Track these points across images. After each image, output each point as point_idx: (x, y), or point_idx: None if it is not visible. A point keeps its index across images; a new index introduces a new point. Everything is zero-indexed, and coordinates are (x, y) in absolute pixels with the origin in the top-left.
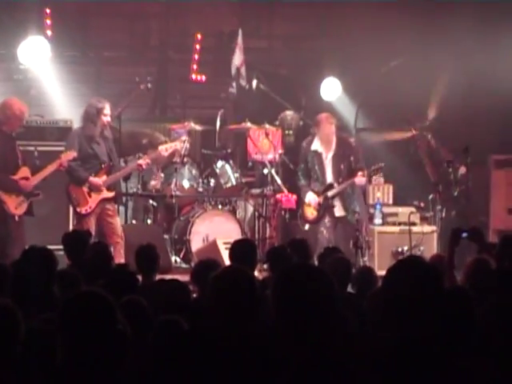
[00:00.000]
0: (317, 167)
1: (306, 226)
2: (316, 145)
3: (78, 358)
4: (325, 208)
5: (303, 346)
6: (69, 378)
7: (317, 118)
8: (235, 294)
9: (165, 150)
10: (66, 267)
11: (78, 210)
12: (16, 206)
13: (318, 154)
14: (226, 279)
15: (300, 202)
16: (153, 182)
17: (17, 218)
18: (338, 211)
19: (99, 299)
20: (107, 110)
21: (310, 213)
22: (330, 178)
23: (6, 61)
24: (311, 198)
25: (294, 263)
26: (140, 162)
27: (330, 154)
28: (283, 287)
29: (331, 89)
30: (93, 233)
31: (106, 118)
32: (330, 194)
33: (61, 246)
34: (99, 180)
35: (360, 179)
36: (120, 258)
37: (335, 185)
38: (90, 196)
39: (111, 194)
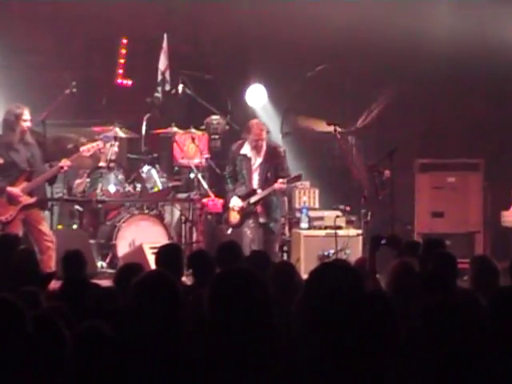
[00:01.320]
0: (244, 171)
1: (229, 230)
2: (246, 149)
3: None
4: (247, 213)
5: (236, 348)
6: None
7: (248, 124)
8: (156, 299)
9: (87, 150)
10: None
11: None
12: None
13: (246, 159)
14: (147, 284)
15: (226, 206)
16: (77, 181)
17: None
18: (262, 217)
19: (6, 305)
20: (26, 115)
21: (233, 217)
22: (255, 183)
23: None
24: (235, 202)
25: (231, 267)
26: (61, 164)
27: (259, 160)
28: (218, 290)
29: (256, 95)
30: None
31: (26, 124)
32: (252, 200)
33: None
34: (16, 189)
35: (280, 186)
36: (51, 262)
37: (258, 191)
38: (9, 204)
39: (32, 200)
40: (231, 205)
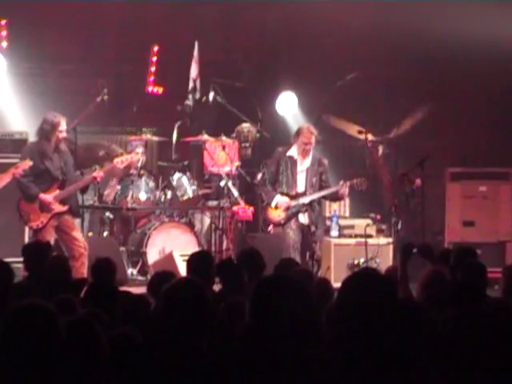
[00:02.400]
0: (289, 171)
1: (270, 227)
2: (293, 152)
3: (20, 369)
4: (295, 212)
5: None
6: None
7: (299, 127)
8: (186, 307)
9: (120, 162)
10: (22, 279)
11: (29, 225)
12: None
13: (293, 160)
14: (177, 291)
15: (260, 209)
16: (106, 192)
17: None
18: (303, 218)
19: (39, 311)
20: (63, 126)
21: (277, 215)
22: (300, 186)
23: None
24: (281, 200)
25: (273, 274)
26: (94, 174)
27: (305, 165)
28: (260, 297)
29: (287, 103)
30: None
31: (62, 134)
32: (304, 200)
33: (15, 259)
34: (49, 197)
35: (344, 189)
36: (84, 269)
37: (307, 193)
38: (41, 211)
39: (64, 208)
40: (274, 203)
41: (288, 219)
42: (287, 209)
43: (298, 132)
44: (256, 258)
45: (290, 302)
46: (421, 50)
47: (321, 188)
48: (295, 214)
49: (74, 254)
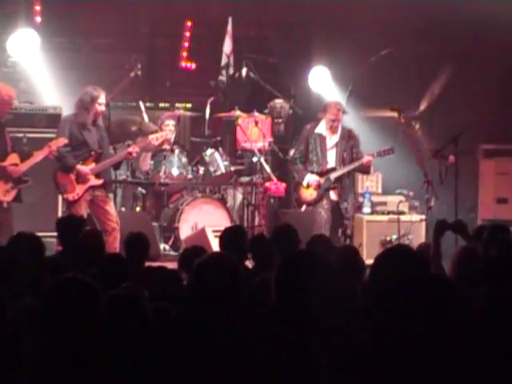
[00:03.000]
0: (318, 149)
1: (303, 208)
2: (321, 128)
3: (60, 342)
4: (325, 189)
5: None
6: (52, 361)
7: (325, 103)
8: (217, 281)
9: (155, 139)
10: (55, 253)
11: (65, 196)
12: (4, 192)
13: (321, 137)
14: (209, 266)
15: (293, 186)
16: (141, 164)
17: (5, 204)
18: (333, 195)
19: (82, 285)
20: (102, 99)
21: (309, 194)
22: (331, 162)
23: None
24: (311, 178)
25: (298, 250)
26: (130, 150)
27: (334, 140)
28: (285, 273)
29: (320, 78)
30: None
31: (101, 108)
32: (333, 176)
33: (49, 233)
34: (86, 168)
35: (368, 159)
36: (116, 244)
37: (337, 168)
38: (77, 183)
39: (99, 182)
40: (305, 182)
41: (320, 198)
42: (318, 187)
43: (325, 108)
44: (291, 233)
45: (314, 278)
46: (456, 27)
47: (352, 161)
48: (327, 192)
49: (106, 229)
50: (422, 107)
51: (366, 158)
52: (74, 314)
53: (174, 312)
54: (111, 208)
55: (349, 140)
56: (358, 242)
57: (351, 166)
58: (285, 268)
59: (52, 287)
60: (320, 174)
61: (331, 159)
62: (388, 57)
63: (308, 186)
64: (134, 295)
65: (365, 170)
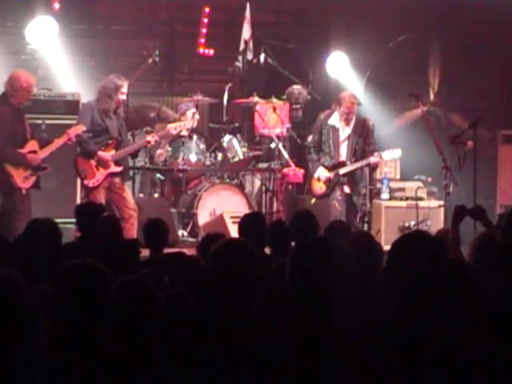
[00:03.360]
0: (331, 141)
1: (313, 200)
2: (334, 120)
3: (70, 326)
4: (335, 184)
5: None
6: (61, 344)
7: (339, 95)
8: (233, 267)
9: (174, 128)
10: (74, 240)
11: (86, 182)
12: (23, 179)
13: (334, 129)
14: (224, 252)
15: (308, 176)
16: (159, 150)
17: (23, 191)
18: (346, 188)
19: (92, 269)
20: (125, 88)
21: (319, 187)
22: (343, 154)
23: (14, 41)
24: (321, 172)
25: (312, 237)
26: (148, 138)
27: (347, 132)
28: (299, 260)
29: (338, 63)
30: None
31: (123, 97)
32: (342, 171)
33: (68, 219)
34: (107, 154)
35: (375, 159)
36: (134, 231)
37: (348, 163)
38: (97, 169)
39: (119, 169)
40: (316, 175)
41: (331, 191)
42: (328, 181)
43: (340, 100)
44: (310, 220)
45: (327, 265)
46: (474, 14)
47: (363, 153)
48: (337, 185)
49: (123, 216)
50: (432, 93)
51: (373, 159)
52: (83, 299)
53: (193, 298)
54: (128, 195)
55: (362, 130)
56: (377, 228)
57: (359, 164)
58: (298, 254)
59: (61, 272)
60: (331, 168)
61: (343, 151)
62: (406, 43)
63: (319, 179)
64: (145, 280)
65: (373, 167)
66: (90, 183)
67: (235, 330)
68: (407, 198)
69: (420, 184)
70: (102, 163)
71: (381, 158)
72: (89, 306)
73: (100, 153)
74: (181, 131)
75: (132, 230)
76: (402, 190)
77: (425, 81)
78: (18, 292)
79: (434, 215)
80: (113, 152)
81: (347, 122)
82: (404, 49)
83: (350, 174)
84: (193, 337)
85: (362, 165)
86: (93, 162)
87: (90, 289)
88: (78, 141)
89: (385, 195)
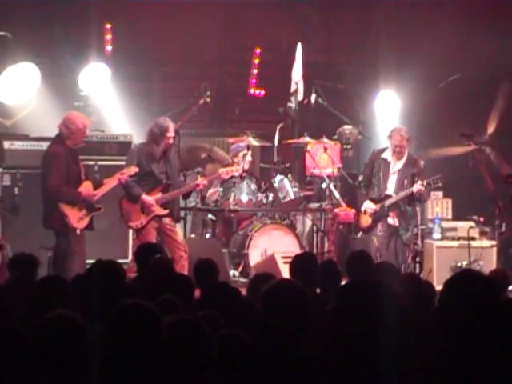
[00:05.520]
0: (381, 174)
1: (359, 234)
2: (387, 154)
3: (122, 367)
4: (380, 216)
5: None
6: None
7: (391, 130)
8: (284, 309)
9: (225, 173)
10: (130, 280)
11: (129, 224)
12: (78, 219)
13: (386, 163)
14: (275, 293)
15: (357, 212)
16: (211, 190)
17: (78, 231)
18: (391, 220)
19: (141, 311)
20: (171, 132)
21: (365, 220)
22: (391, 188)
23: (67, 88)
24: (368, 205)
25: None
26: (198, 182)
27: (398, 166)
28: (343, 302)
29: (387, 102)
30: None
31: (170, 141)
32: (387, 203)
33: (120, 260)
34: (151, 199)
35: (417, 187)
36: (184, 272)
37: (393, 195)
38: (142, 212)
39: (165, 212)
40: (363, 208)
41: (374, 224)
42: (374, 214)
43: (390, 134)
44: (366, 261)
45: (377, 307)
46: None
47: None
48: (382, 219)
49: (174, 257)
50: (490, 130)
51: (416, 187)
52: (134, 340)
53: (248, 338)
54: (178, 236)
55: (412, 168)
56: (428, 268)
57: (402, 194)
58: (345, 295)
59: (113, 314)
60: (377, 201)
61: (391, 185)
62: (457, 83)
63: (365, 212)
64: (197, 321)
65: (418, 198)
66: (133, 225)
67: (287, 372)
68: (459, 238)
69: (472, 224)
70: (146, 207)
71: (422, 185)
72: (141, 346)
73: (143, 197)
74: (231, 176)
75: (183, 270)
76: (454, 229)
77: (476, 120)
78: (79, 335)
79: (486, 255)
80: (159, 195)
81: (399, 156)
82: (454, 89)
83: (398, 208)
84: (248, 378)
85: (405, 194)
86: (138, 205)
87: (142, 329)
88: (122, 185)
89: (436, 235)
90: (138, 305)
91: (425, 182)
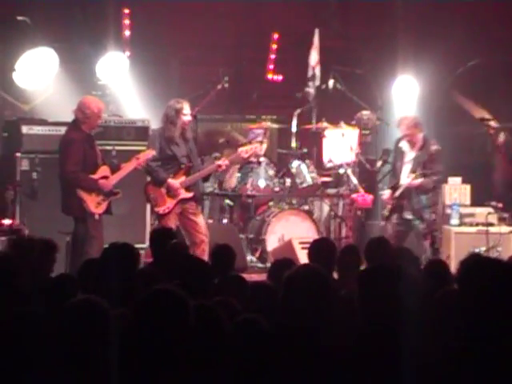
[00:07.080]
0: (398, 164)
1: (382, 223)
2: (403, 143)
3: (149, 352)
4: (394, 207)
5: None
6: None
7: (399, 119)
8: (307, 294)
9: (245, 151)
10: (146, 265)
11: (156, 209)
12: (96, 205)
13: (401, 152)
14: (299, 278)
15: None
16: (228, 176)
17: (96, 216)
18: (407, 214)
19: (172, 296)
20: (186, 109)
21: (386, 210)
22: (404, 178)
23: (85, 77)
24: (386, 194)
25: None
26: (219, 163)
27: (411, 156)
28: (367, 285)
29: (405, 87)
30: None
31: (186, 118)
32: (397, 193)
33: (138, 245)
34: (177, 182)
35: (411, 182)
36: (205, 256)
37: (401, 184)
38: (168, 196)
39: (190, 195)
40: (383, 198)
41: (390, 213)
42: (389, 203)
43: (398, 123)
44: (385, 247)
45: (395, 291)
46: None
47: (424, 177)
48: (396, 209)
49: (195, 241)
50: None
51: (405, 181)
52: (165, 325)
53: (266, 323)
54: (201, 220)
55: (424, 157)
56: (446, 254)
57: (405, 185)
58: (365, 280)
59: (143, 298)
60: (393, 191)
61: (404, 175)
62: (476, 68)
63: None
64: (212, 306)
65: (421, 190)
66: (161, 210)
67: (307, 356)
68: (477, 224)
69: (490, 210)
70: (172, 191)
71: (416, 177)
72: (169, 332)
73: (169, 180)
74: (252, 155)
75: (203, 255)
76: (472, 215)
77: (494, 106)
78: (106, 320)
79: (504, 241)
80: (183, 178)
81: (412, 144)
82: (474, 73)
83: (412, 199)
84: (267, 362)
85: (404, 186)
86: (163, 190)
87: (172, 315)
88: (147, 170)
89: (454, 221)
90: (168, 291)
91: (418, 174)
